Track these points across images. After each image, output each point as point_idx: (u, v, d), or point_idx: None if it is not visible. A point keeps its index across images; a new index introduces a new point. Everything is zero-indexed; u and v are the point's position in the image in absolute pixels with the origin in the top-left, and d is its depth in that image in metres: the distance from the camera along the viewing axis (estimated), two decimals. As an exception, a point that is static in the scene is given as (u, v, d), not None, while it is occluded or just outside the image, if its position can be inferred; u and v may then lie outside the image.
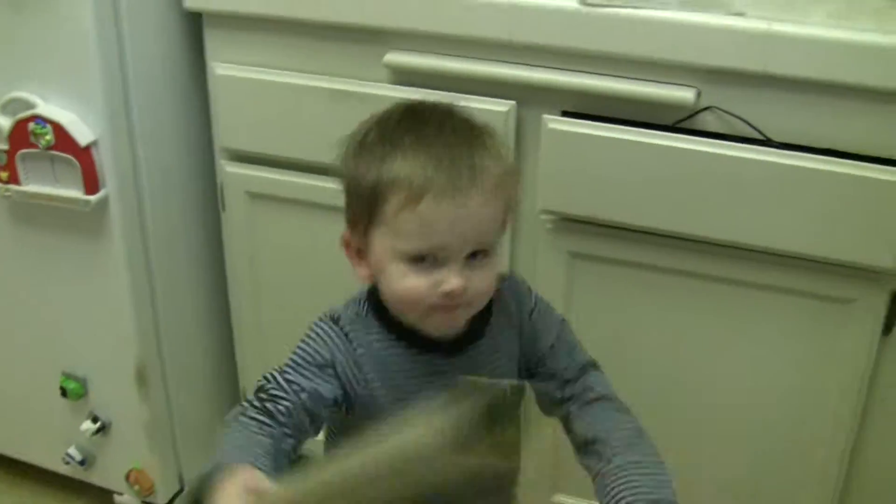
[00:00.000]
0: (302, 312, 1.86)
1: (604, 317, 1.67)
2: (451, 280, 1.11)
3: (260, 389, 1.15)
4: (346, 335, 1.20)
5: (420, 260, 1.11)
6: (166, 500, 2.01)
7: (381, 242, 1.13)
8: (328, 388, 1.16)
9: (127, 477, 1.97)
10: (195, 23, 1.76)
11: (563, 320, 1.31)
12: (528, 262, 1.68)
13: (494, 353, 1.24)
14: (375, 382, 1.19)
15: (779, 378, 1.63)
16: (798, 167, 1.44)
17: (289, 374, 1.16)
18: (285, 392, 1.14)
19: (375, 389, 1.19)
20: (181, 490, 2.02)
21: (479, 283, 1.13)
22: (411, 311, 1.16)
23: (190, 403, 2.01)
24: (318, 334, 1.21)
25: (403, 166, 1.09)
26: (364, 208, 1.14)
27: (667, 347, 1.66)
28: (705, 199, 1.50)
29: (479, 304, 1.17)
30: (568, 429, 1.28)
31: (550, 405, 1.30)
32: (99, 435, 1.94)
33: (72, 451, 1.99)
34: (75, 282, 1.82)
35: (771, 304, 1.57)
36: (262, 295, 1.91)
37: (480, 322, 1.22)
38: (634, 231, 1.57)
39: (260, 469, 1.04)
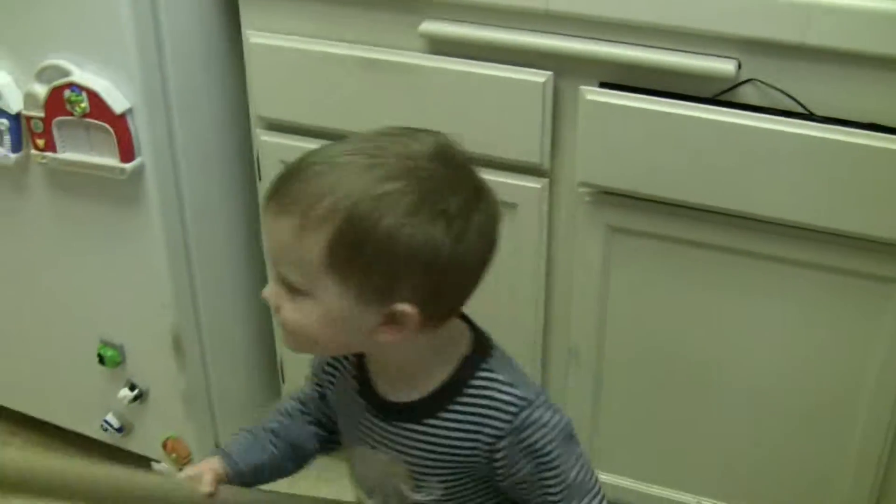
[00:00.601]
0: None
1: (641, 291, 1.70)
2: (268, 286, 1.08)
3: None
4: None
5: None
6: (203, 469, 2.07)
7: None
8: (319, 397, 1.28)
9: (164, 445, 2.04)
10: (230, -10, 1.81)
11: (554, 457, 1.12)
12: (566, 235, 1.72)
13: (429, 445, 1.13)
14: (332, 407, 1.26)
15: (820, 356, 1.65)
16: (841, 142, 1.46)
17: (308, 373, 1.28)
18: (305, 386, 1.30)
19: (333, 413, 1.27)
20: (218, 459, 2.09)
21: (287, 315, 1.06)
22: None
23: (227, 372, 2.08)
24: None
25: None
26: None
27: (704, 323, 1.69)
28: (745, 173, 1.52)
29: (298, 340, 1.08)
30: None
31: None
32: (136, 402, 2.01)
33: (109, 418, 2.07)
34: (112, 249, 1.89)
35: (812, 282, 1.60)
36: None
37: (427, 406, 1.13)
38: (674, 205, 1.60)
39: (253, 454, 1.24)
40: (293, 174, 1.02)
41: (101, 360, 1.99)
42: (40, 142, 1.80)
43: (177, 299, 1.90)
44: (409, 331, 1.04)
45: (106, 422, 2.08)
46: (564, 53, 1.57)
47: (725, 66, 1.49)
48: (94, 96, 1.70)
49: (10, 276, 2.05)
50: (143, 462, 2.14)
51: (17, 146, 1.83)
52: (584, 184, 1.64)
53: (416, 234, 0.98)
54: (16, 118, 1.81)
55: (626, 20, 1.52)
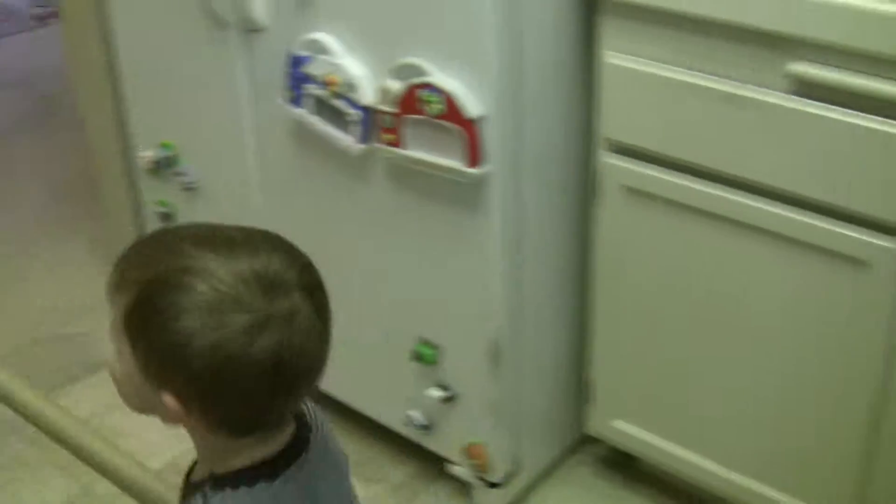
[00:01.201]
0: (664, 318, 1.98)
1: None
2: None
3: None
4: None
5: None
6: (499, 480, 2.18)
7: None
8: None
9: (464, 449, 2.16)
10: (589, 7, 1.89)
11: None
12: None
13: None
14: None
15: None
16: None
17: None
18: None
19: None
20: (512, 472, 2.19)
21: (108, 357, 1.16)
22: None
23: (537, 387, 2.17)
24: None
25: None
26: None
27: None
28: None
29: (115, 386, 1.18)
30: None
31: None
32: (445, 404, 2.13)
33: (415, 413, 2.20)
34: (445, 251, 2.01)
35: None
36: (624, 292, 2.03)
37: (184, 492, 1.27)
38: None
39: None
40: (141, 238, 1.16)
41: (418, 356, 2.11)
42: (388, 136, 1.93)
43: (502, 310, 1.99)
44: (176, 421, 1.13)
45: (410, 416, 2.21)
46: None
47: None
48: (449, 99, 1.81)
49: (343, 260, 2.20)
50: (436, 462, 2.28)
51: (364, 137, 1.97)
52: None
53: (181, 332, 1.05)
54: (366, 110, 1.95)
55: None
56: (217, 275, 1.06)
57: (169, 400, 1.09)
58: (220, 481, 1.17)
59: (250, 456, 1.17)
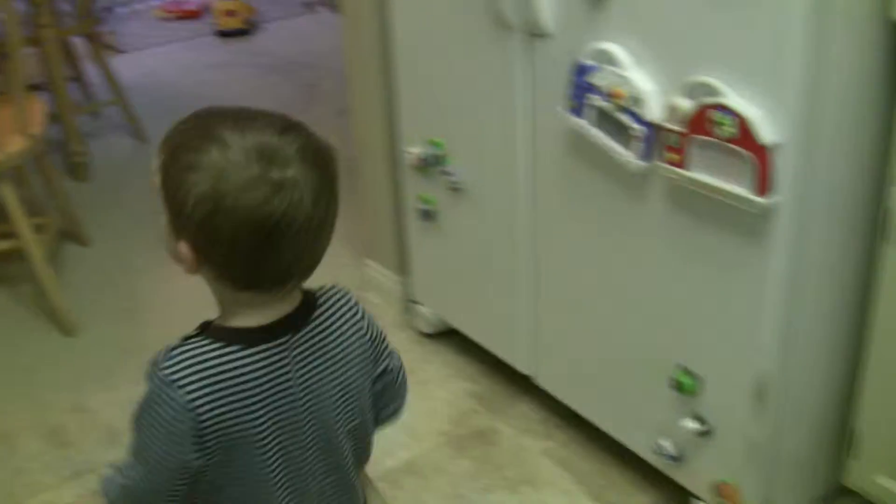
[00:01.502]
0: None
1: None
2: None
3: None
4: None
5: None
6: (747, 521, 2.12)
7: None
8: None
9: (714, 486, 2.11)
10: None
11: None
12: None
13: None
14: None
15: None
16: None
17: None
18: None
19: None
20: (763, 515, 2.14)
21: None
22: None
23: (797, 431, 2.11)
24: None
25: None
26: None
27: None
28: None
29: None
30: None
31: None
32: (699, 437, 2.09)
33: (665, 442, 2.16)
34: (718, 279, 1.97)
35: None
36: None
37: None
38: None
39: None
40: (183, 118, 1.36)
41: (677, 385, 2.08)
42: (672, 156, 1.90)
43: (773, 346, 1.94)
44: (191, 268, 1.35)
45: (660, 445, 2.17)
46: None
47: None
48: (743, 123, 1.77)
49: (609, 276, 2.21)
50: (681, 495, 2.24)
51: (646, 154, 1.95)
52: None
53: (189, 182, 1.28)
54: (651, 126, 1.93)
55: None
56: (230, 144, 1.28)
57: (184, 248, 1.33)
58: (209, 328, 1.41)
59: (247, 319, 1.39)
